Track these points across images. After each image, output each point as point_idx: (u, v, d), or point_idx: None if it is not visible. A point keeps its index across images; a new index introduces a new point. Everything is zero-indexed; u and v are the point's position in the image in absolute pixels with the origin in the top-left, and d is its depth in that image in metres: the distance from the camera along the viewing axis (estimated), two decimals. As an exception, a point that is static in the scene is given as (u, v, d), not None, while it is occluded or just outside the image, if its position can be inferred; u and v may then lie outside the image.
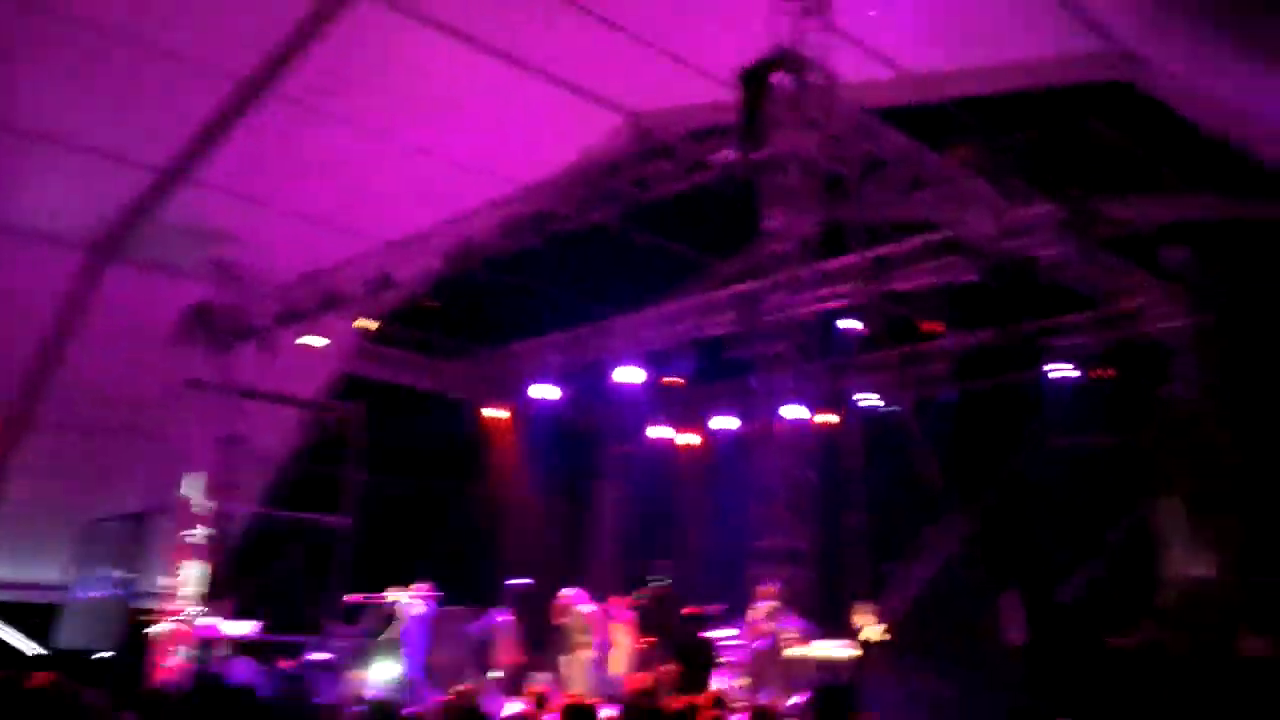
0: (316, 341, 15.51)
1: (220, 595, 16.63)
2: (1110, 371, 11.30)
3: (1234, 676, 8.79)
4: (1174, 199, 12.02)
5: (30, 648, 18.83)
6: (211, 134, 14.31)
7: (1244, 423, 12.23)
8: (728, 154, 10.81)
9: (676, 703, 8.66)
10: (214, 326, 16.02)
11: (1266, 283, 12.52)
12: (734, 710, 9.09)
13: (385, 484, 19.36)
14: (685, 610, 14.23)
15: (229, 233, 15.87)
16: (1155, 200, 12.36)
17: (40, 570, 18.89)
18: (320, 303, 14.99)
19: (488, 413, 19.66)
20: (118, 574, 17.23)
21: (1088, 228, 11.39)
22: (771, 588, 9.88)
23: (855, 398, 11.84)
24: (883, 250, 12.89)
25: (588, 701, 10.50)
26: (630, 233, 13.64)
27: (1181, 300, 13.44)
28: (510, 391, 19.21)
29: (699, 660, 13.39)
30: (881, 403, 15.49)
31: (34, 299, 16.22)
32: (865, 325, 12.35)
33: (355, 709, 7.68)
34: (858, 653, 10.24)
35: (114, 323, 16.61)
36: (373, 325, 15.56)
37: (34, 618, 19.37)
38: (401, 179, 15.41)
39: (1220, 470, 9.83)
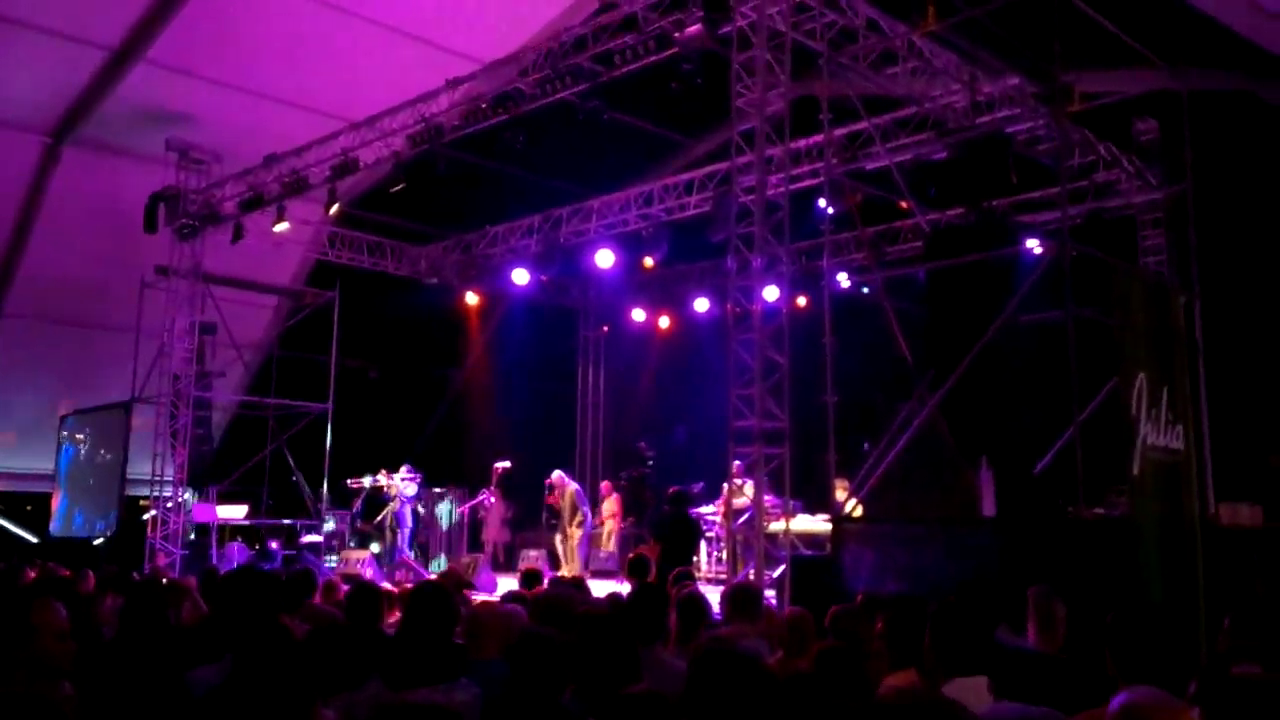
0: (286, 228, 15.27)
1: (209, 481, 16.86)
2: (1081, 247, 11.21)
3: (1212, 547, 8.91)
4: (1146, 72, 11.79)
5: (27, 536, 19.18)
6: (164, 10, 13.96)
7: (1212, 297, 12.24)
8: (694, 27, 10.54)
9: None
10: (179, 212, 15.81)
11: (1237, 156, 12.36)
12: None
13: (367, 369, 19.45)
14: (669, 489, 14.37)
15: (187, 113, 15.60)
16: (1127, 73, 12.14)
17: (28, 460, 19.10)
18: (285, 187, 14.75)
19: (468, 298, 19.52)
20: (106, 461, 17.43)
21: (1060, 101, 11.21)
22: (751, 465, 9.96)
23: (827, 277, 11.79)
24: (855, 127, 12.74)
25: (577, 576, 10.79)
26: (602, 113, 13.38)
27: (1152, 174, 13.35)
28: (488, 276, 19.10)
29: (683, 537, 13.56)
30: (853, 282, 15.51)
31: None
32: (837, 204, 12.18)
33: (346, 589, 7.76)
34: (834, 527, 10.37)
35: (78, 210, 16.47)
36: (338, 211, 15.28)
37: (27, 506, 19.70)
38: (361, 56, 15.03)
39: (1184, 344, 9.83)
